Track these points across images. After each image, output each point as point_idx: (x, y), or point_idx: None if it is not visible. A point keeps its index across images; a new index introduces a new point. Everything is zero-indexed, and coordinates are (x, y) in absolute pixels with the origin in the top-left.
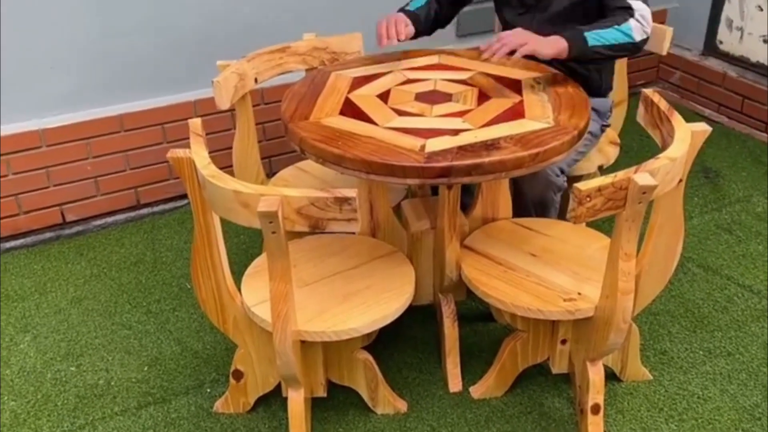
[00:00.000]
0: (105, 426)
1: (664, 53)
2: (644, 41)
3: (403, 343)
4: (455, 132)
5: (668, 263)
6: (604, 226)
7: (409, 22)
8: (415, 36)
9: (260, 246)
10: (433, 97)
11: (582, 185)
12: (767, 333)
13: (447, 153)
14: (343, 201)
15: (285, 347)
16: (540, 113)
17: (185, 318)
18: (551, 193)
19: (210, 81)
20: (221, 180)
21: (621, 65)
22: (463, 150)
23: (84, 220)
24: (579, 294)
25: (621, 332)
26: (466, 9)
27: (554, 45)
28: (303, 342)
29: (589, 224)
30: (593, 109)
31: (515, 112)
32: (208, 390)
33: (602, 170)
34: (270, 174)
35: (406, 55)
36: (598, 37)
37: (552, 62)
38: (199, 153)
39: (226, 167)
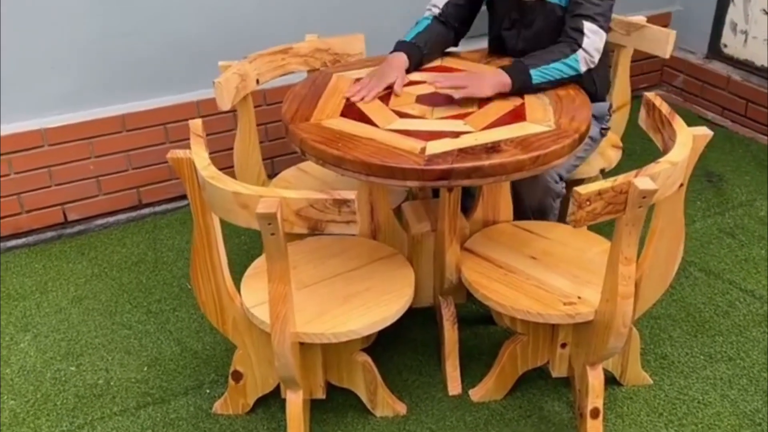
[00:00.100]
0: (104, 426)
1: (667, 56)
2: (588, 72)
3: (403, 346)
4: (456, 134)
5: (669, 267)
6: (605, 229)
7: (401, 74)
8: (421, 63)
9: (261, 247)
10: (434, 100)
11: (582, 189)
12: None
13: (447, 155)
14: (342, 203)
15: (283, 349)
16: (541, 116)
17: (185, 318)
18: (550, 200)
19: (212, 81)
20: (221, 181)
21: (623, 69)
22: (463, 152)
23: (86, 220)
24: (579, 298)
25: (621, 336)
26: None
27: (495, 84)
28: (302, 344)
29: (590, 227)
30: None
31: (516, 115)
32: (208, 391)
33: (604, 174)
34: (272, 175)
35: None
36: (542, 74)
37: None
38: (199, 154)
39: (228, 168)
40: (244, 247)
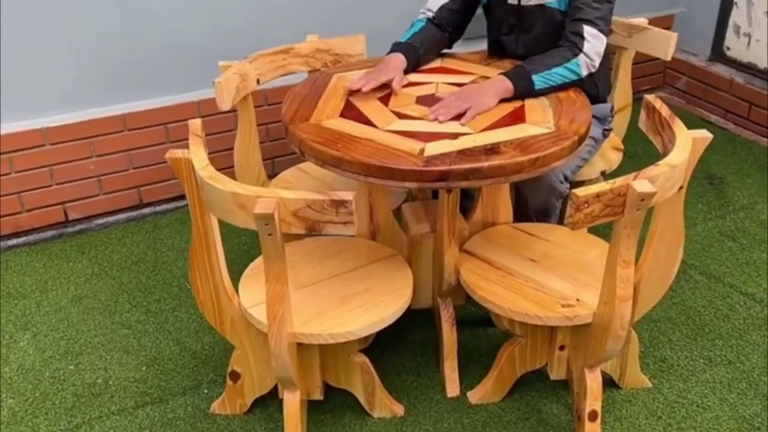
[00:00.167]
0: (102, 425)
1: (669, 59)
2: (590, 74)
3: (402, 347)
4: (455, 136)
5: (668, 270)
6: (605, 231)
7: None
8: (418, 64)
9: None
10: (434, 100)
11: (580, 191)
12: None
13: (446, 157)
14: (339, 204)
15: (280, 349)
16: (541, 118)
17: (184, 318)
18: (553, 200)
19: (212, 81)
20: (219, 181)
21: (625, 71)
22: (462, 154)
23: (86, 219)
24: (577, 300)
25: (619, 339)
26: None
27: (496, 92)
28: (300, 344)
29: (591, 230)
30: (592, 115)
31: (516, 117)
32: (206, 391)
33: (605, 176)
34: (272, 175)
35: None
36: (545, 79)
37: None
38: (197, 154)
39: (229, 168)
40: (244, 247)
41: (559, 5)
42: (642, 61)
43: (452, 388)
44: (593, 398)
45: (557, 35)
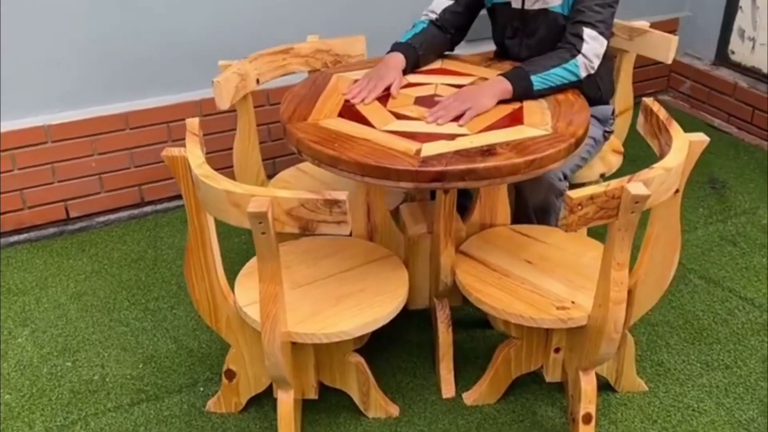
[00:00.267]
0: (97, 422)
1: (669, 62)
2: (592, 76)
3: (399, 348)
4: (452, 137)
5: (665, 273)
6: (604, 234)
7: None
8: (418, 64)
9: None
10: (432, 102)
11: (573, 193)
12: (766, 347)
13: (442, 157)
14: (333, 203)
15: (274, 348)
16: (539, 120)
17: (182, 316)
18: (553, 198)
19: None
20: (213, 180)
21: (626, 74)
22: (458, 155)
23: (87, 217)
24: (573, 302)
25: (613, 342)
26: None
27: (495, 93)
28: (294, 343)
29: (589, 233)
30: (593, 116)
31: (514, 119)
32: (201, 389)
33: (604, 178)
34: (274, 175)
35: None
36: (543, 80)
37: None
38: (193, 152)
39: (230, 167)
40: (244, 246)
41: (562, 9)
42: (646, 64)
43: (448, 389)
44: (588, 401)
45: (560, 39)
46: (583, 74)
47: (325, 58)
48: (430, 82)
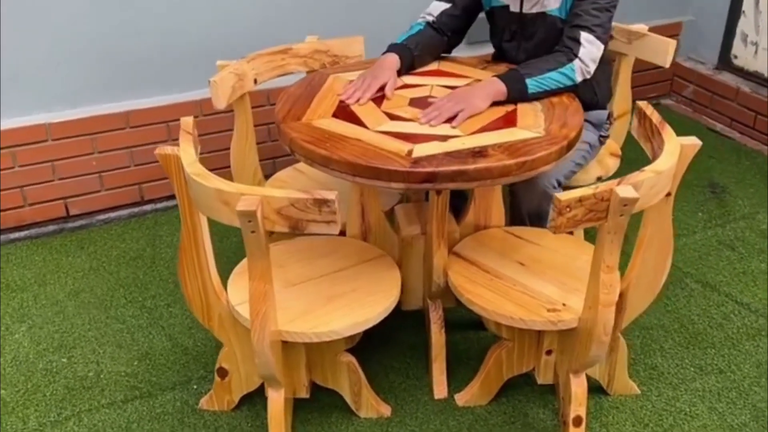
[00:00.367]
0: (91, 418)
1: (668, 66)
2: (588, 80)
3: (392, 348)
4: (444, 138)
5: (657, 277)
6: None
7: (393, 75)
8: (413, 65)
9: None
10: (427, 103)
11: (562, 195)
12: (761, 352)
13: (433, 159)
14: (322, 203)
15: (263, 347)
16: (532, 122)
17: (178, 315)
18: (546, 205)
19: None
20: (204, 178)
21: (625, 77)
22: (449, 156)
23: (87, 215)
24: (564, 305)
25: (602, 345)
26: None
27: (488, 94)
28: (286, 342)
29: (586, 236)
30: (588, 120)
31: (507, 121)
32: (195, 386)
33: (601, 182)
34: (272, 175)
35: None
36: (539, 84)
37: None
38: (186, 150)
39: (229, 166)
40: (240, 246)
41: (560, 13)
42: (649, 68)
43: (440, 390)
44: (578, 403)
45: (558, 43)
46: (579, 78)
47: (323, 58)
48: (425, 84)
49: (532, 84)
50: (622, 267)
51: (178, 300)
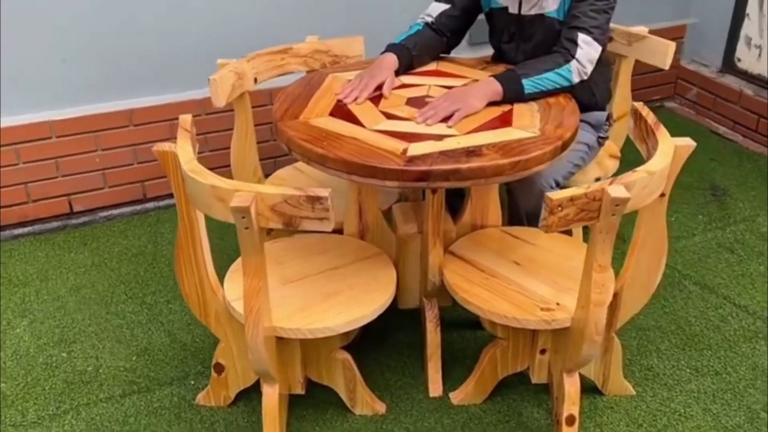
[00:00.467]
0: (89, 411)
1: (666, 67)
2: (581, 81)
3: (389, 347)
4: (440, 137)
5: (651, 277)
6: None
7: (390, 75)
8: (411, 65)
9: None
10: (424, 103)
11: (553, 194)
12: (758, 354)
13: (427, 157)
14: (315, 200)
15: (257, 342)
16: (528, 122)
17: (178, 311)
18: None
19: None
20: (200, 175)
21: (625, 79)
22: (444, 155)
23: (91, 211)
24: (558, 304)
25: (594, 344)
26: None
27: (485, 94)
28: (281, 339)
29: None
30: (586, 121)
31: (503, 121)
32: (192, 382)
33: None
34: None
35: None
36: (535, 84)
37: None
38: (183, 148)
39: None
40: None
41: (558, 15)
42: (653, 71)
43: (435, 388)
44: (571, 402)
45: (554, 44)
46: (575, 80)
47: (323, 58)
48: (423, 84)
49: (529, 84)
50: (619, 268)
51: (178, 296)
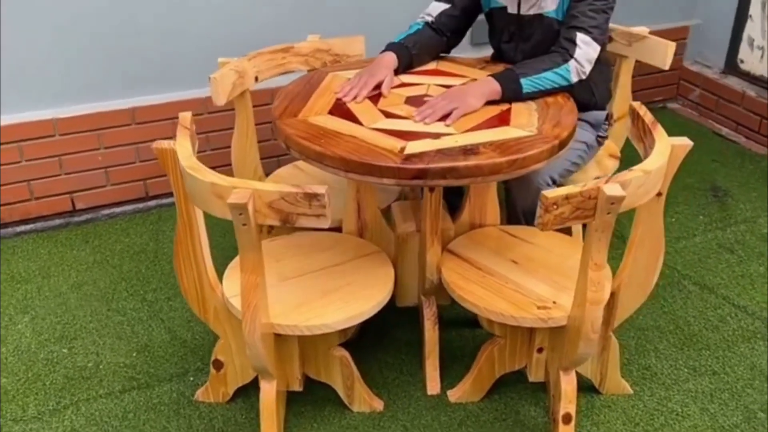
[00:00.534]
0: (88, 407)
1: (666, 68)
2: (585, 81)
3: (387, 344)
4: (437, 136)
5: (648, 276)
6: None
7: (390, 73)
8: (411, 64)
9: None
10: (423, 102)
11: (549, 193)
12: (756, 354)
13: (425, 155)
14: (312, 197)
15: (254, 339)
16: (526, 121)
17: (178, 308)
18: None
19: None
20: (199, 171)
21: (625, 79)
22: (441, 153)
23: (93, 209)
24: (554, 303)
25: (590, 342)
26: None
27: (483, 93)
28: (279, 335)
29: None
30: (585, 120)
31: (501, 120)
32: (191, 378)
33: None
34: None
35: None
36: (533, 83)
37: None
38: (182, 144)
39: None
40: None
41: (557, 15)
42: (655, 72)
43: (433, 386)
44: (567, 401)
45: (553, 44)
46: (574, 79)
47: (324, 57)
48: (422, 83)
49: (527, 84)
50: (618, 267)
51: (179, 294)
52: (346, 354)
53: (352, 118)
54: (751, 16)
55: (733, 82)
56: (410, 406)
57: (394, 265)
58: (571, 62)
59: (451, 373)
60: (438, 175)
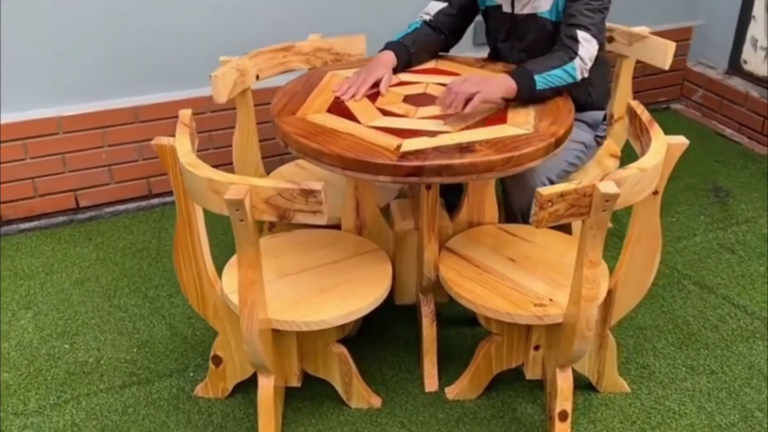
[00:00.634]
0: (89, 401)
1: (666, 68)
2: (582, 81)
3: (386, 341)
4: (434, 134)
5: (645, 275)
6: None
7: (388, 72)
8: (410, 62)
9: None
10: (421, 100)
11: (543, 190)
12: (755, 353)
13: (420, 153)
14: (309, 193)
15: (252, 334)
16: (522, 120)
17: (180, 305)
18: None
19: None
20: (197, 168)
21: (626, 79)
22: (437, 151)
23: (97, 207)
24: (551, 300)
25: (585, 339)
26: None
27: (504, 88)
28: (277, 331)
29: None
30: (582, 120)
31: (498, 118)
32: (191, 374)
33: None
34: None
35: None
36: (546, 80)
37: None
38: (182, 141)
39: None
40: None
41: (550, 15)
42: (659, 72)
43: (430, 383)
44: (564, 398)
45: (549, 43)
46: (579, 77)
47: (325, 56)
48: (421, 81)
49: (540, 80)
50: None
51: (180, 290)
52: (345, 350)
53: (350, 116)
54: (754, 16)
55: (737, 83)
56: (408, 403)
57: (392, 263)
58: (577, 60)
59: (448, 371)
60: (433, 172)
